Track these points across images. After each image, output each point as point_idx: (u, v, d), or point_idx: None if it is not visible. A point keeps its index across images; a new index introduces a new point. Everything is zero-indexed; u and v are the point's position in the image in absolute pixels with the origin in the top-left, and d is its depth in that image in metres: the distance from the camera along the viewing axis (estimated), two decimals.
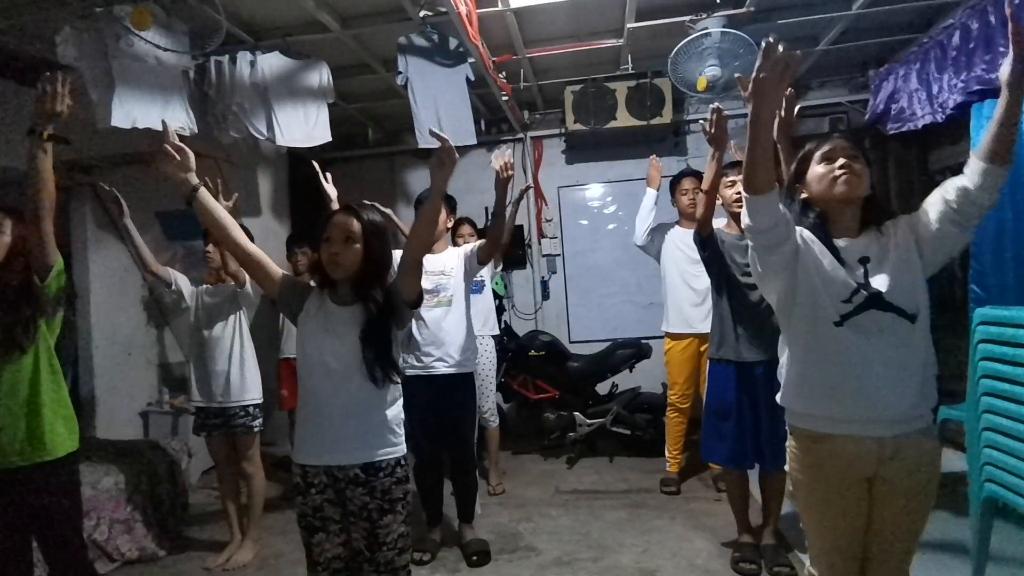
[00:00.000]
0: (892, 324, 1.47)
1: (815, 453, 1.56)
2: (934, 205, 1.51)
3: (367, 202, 1.76)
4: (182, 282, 3.01)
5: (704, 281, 3.02)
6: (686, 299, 3.42)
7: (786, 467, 1.65)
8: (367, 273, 1.70)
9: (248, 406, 2.89)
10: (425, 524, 2.97)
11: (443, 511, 3.01)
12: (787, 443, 1.66)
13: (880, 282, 1.49)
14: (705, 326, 3.02)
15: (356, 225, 1.68)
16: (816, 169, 1.58)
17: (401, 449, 1.75)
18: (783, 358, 1.66)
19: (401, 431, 1.77)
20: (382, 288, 1.72)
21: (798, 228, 1.59)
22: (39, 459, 1.82)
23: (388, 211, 2.90)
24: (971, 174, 1.47)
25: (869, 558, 1.56)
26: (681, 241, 3.39)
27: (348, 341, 1.66)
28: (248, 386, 2.90)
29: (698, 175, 3.37)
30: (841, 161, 1.54)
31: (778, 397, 1.67)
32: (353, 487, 1.67)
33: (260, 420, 2.95)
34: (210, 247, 2.90)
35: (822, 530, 1.58)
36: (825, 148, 1.58)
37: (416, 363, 2.81)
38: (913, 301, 1.49)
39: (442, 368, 2.78)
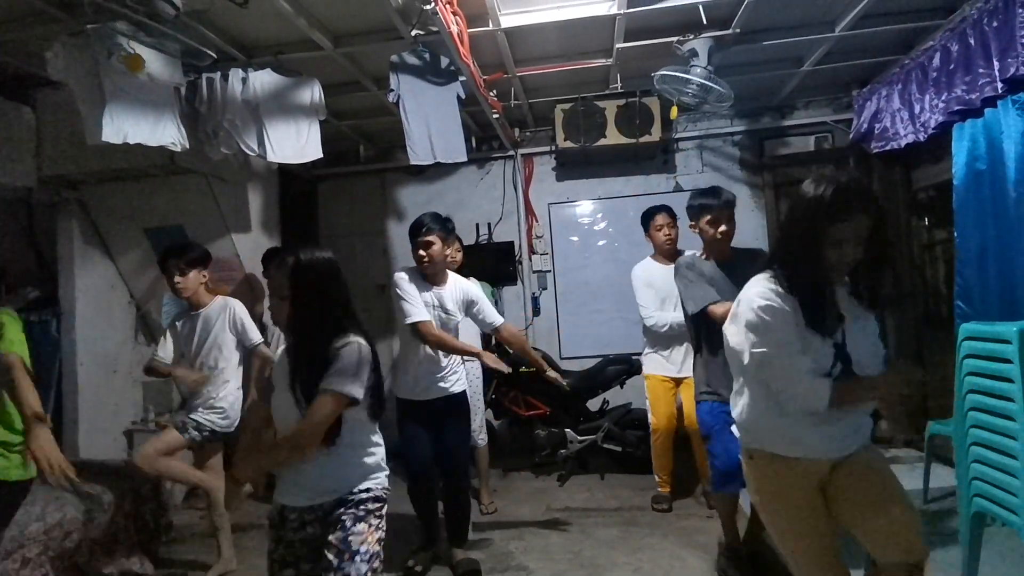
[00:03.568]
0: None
1: (772, 468, 1.65)
2: None
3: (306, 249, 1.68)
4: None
5: (678, 316, 3.15)
6: (661, 340, 3.42)
7: (746, 492, 1.75)
8: (296, 323, 1.66)
9: (221, 433, 2.88)
10: (421, 546, 2.93)
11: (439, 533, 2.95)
12: (744, 467, 1.74)
13: (852, 347, 1.57)
14: (686, 370, 3.17)
15: (287, 282, 1.63)
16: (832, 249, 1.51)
17: (370, 484, 1.68)
18: (743, 397, 1.71)
19: (373, 460, 1.71)
20: (310, 333, 1.64)
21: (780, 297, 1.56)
22: None
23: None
24: None
25: (873, 549, 1.58)
26: (659, 277, 3.36)
27: (284, 388, 1.65)
28: (225, 408, 2.88)
29: (670, 211, 3.40)
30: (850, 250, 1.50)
31: (736, 429, 1.78)
32: (323, 525, 1.64)
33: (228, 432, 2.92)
34: (178, 278, 2.82)
35: (795, 538, 1.63)
36: (842, 225, 1.48)
37: (414, 389, 2.80)
38: (874, 367, 1.59)
39: (436, 392, 2.79)
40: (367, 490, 1.66)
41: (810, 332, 1.52)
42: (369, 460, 1.70)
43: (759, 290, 1.58)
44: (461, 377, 2.89)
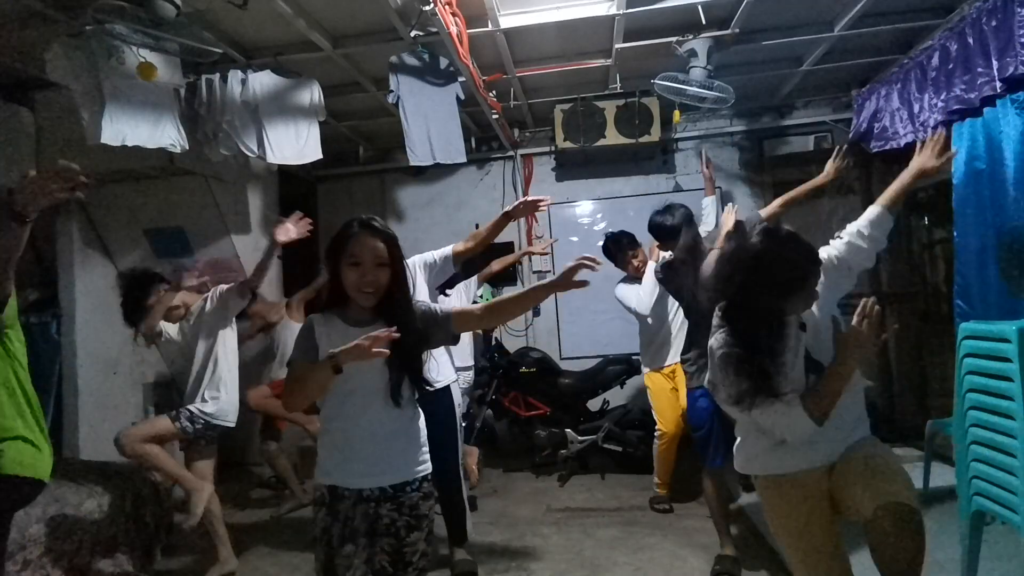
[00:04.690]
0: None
1: (775, 489, 1.71)
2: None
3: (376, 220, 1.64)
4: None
5: (672, 315, 3.35)
6: (655, 334, 3.45)
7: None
8: (392, 293, 1.62)
9: (217, 425, 2.88)
10: None
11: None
12: (756, 491, 1.82)
13: (817, 353, 1.64)
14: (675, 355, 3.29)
15: (384, 248, 1.59)
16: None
17: (428, 465, 1.73)
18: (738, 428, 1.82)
19: (427, 445, 1.75)
20: (407, 304, 1.65)
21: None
22: None
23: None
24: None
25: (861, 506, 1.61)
26: (637, 291, 3.40)
27: (372, 364, 1.54)
28: (222, 407, 2.88)
29: (633, 239, 3.46)
30: None
31: (736, 464, 1.84)
32: (381, 503, 1.64)
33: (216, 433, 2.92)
34: (176, 301, 2.90)
35: (801, 553, 1.68)
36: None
37: None
38: (828, 350, 1.64)
39: None
40: (420, 479, 1.70)
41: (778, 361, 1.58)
42: (422, 447, 1.73)
43: (716, 340, 1.64)
44: (444, 369, 2.72)
